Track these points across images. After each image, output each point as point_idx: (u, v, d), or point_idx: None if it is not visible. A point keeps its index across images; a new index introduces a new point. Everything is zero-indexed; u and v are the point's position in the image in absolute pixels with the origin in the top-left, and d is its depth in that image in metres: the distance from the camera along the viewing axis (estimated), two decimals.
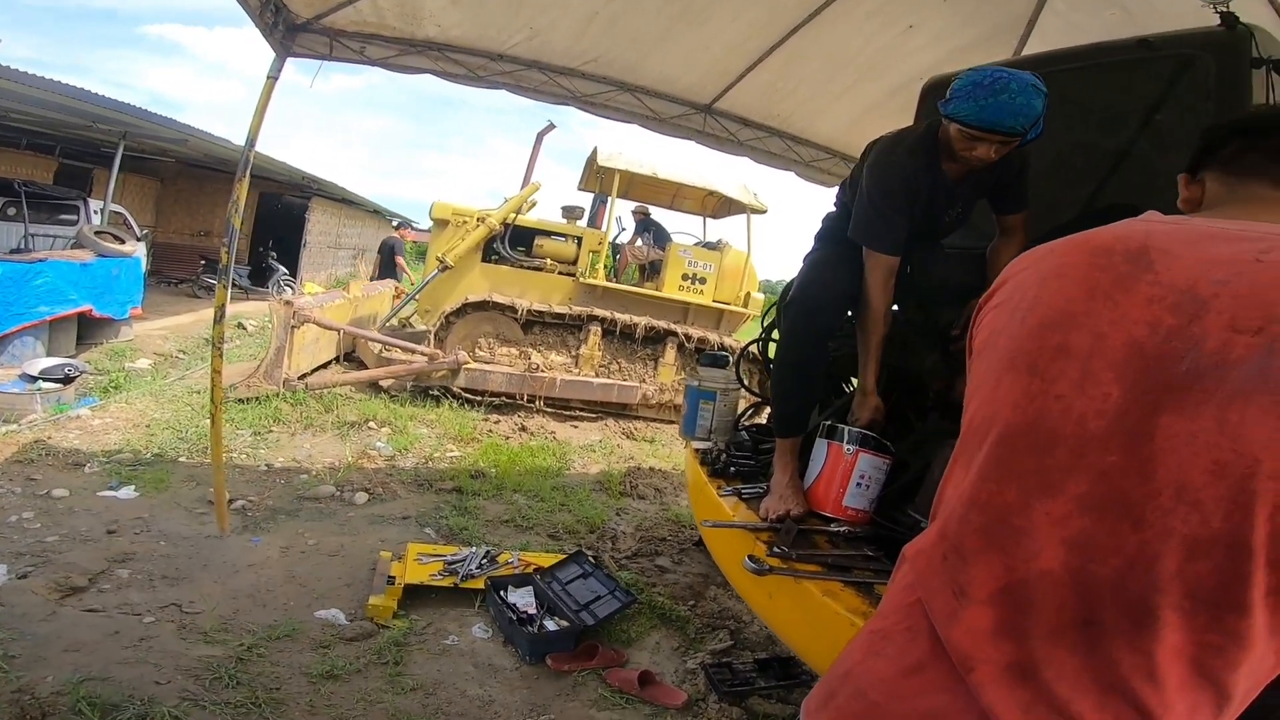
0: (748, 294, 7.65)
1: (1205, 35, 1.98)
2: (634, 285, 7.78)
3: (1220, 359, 0.67)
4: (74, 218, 9.16)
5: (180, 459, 4.27)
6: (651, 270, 8.12)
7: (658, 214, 8.83)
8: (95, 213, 9.38)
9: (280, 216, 14.73)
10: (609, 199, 7.56)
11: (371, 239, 19.57)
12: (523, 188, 7.67)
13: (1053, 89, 1.83)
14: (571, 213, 7.92)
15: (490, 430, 5.86)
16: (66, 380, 5.10)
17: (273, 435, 4.98)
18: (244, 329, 9.15)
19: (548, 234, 7.59)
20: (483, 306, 6.64)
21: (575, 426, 6.50)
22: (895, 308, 2.29)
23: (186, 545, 3.16)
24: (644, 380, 6.99)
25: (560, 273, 7.42)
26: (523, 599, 2.90)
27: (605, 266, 7.53)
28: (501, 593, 2.91)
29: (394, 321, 7.85)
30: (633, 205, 8.70)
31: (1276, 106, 1.78)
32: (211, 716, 2.07)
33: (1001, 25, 3.57)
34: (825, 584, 1.75)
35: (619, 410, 6.91)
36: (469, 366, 6.36)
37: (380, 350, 6.59)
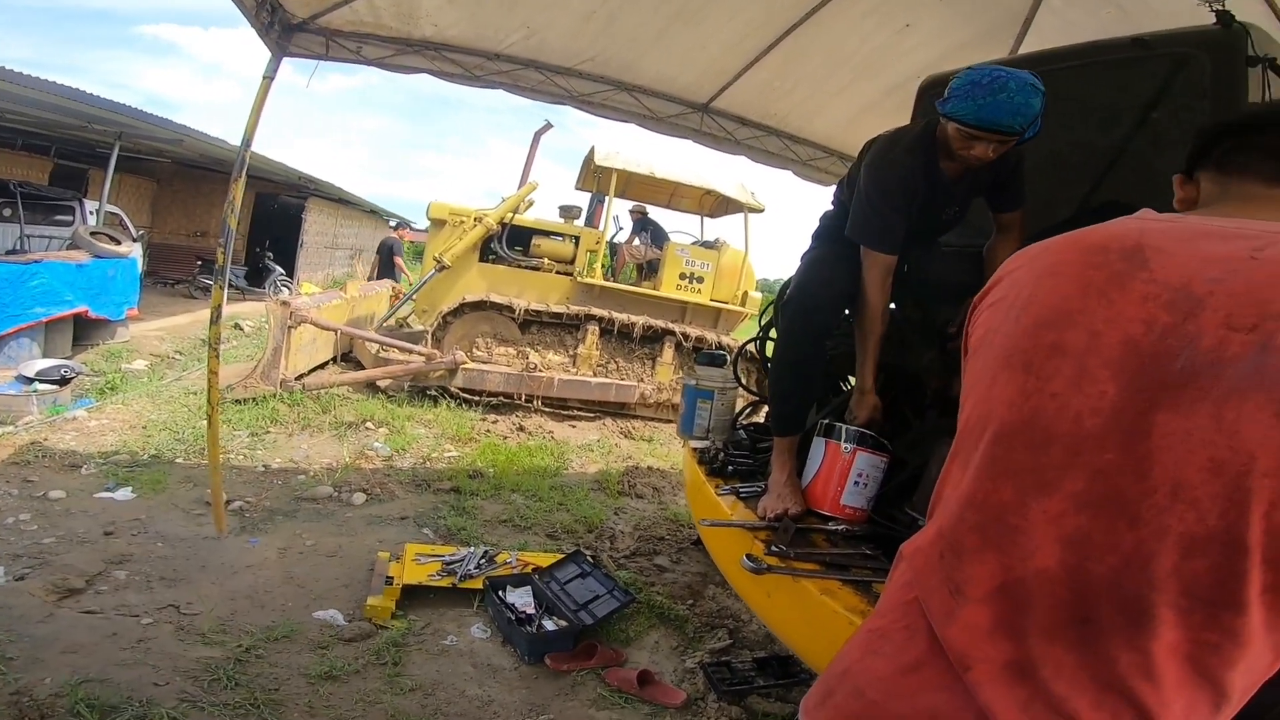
0: (745, 293, 7.66)
1: (1201, 34, 1.98)
2: (631, 284, 7.78)
3: (1215, 356, 0.67)
4: (69, 219, 9.13)
5: (177, 460, 4.26)
6: (649, 269, 8.13)
7: (655, 213, 8.84)
8: (91, 213, 9.35)
9: (277, 217, 14.70)
10: (606, 198, 7.55)
11: (369, 239, 19.53)
12: (520, 187, 7.67)
13: (1049, 87, 1.83)
14: (569, 212, 7.92)
15: (488, 430, 5.85)
16: (63, 382, 5.09)
17: (270, 436, 4.97)
18: (241, 330, 9.14)
19: (545, 233, 7.59)
20: (480, 306, 6.64)
21: (573, 426, 6.49)
22: (893, 306, 2.29)
23: (184, 546, 3.15)
24: (642, 379, 6.99)
25: (558, 272, 7.41)
26: (521, 599, 2.90)
27: (603, 266, 7.53)
28: (500, 593, 2.91)
29: (391, 321, 7.85)
30: (630, 204, 8.70)
31: (1269, 104, 1.78)
32: (210, 718, 2.06)
33: (998, 24, 3.57)
34: (823, 582, 1.75)
35: (617, 410, 6.91)
36: (466, 366, 6.35)
37: (378, 350, 6.58)
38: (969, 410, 0.85)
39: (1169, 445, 0.68)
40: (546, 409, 6.59)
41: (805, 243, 2.51)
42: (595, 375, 6.87)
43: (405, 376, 6.35)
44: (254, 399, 5.36)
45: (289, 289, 11.96)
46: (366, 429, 5.37)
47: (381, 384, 6.39)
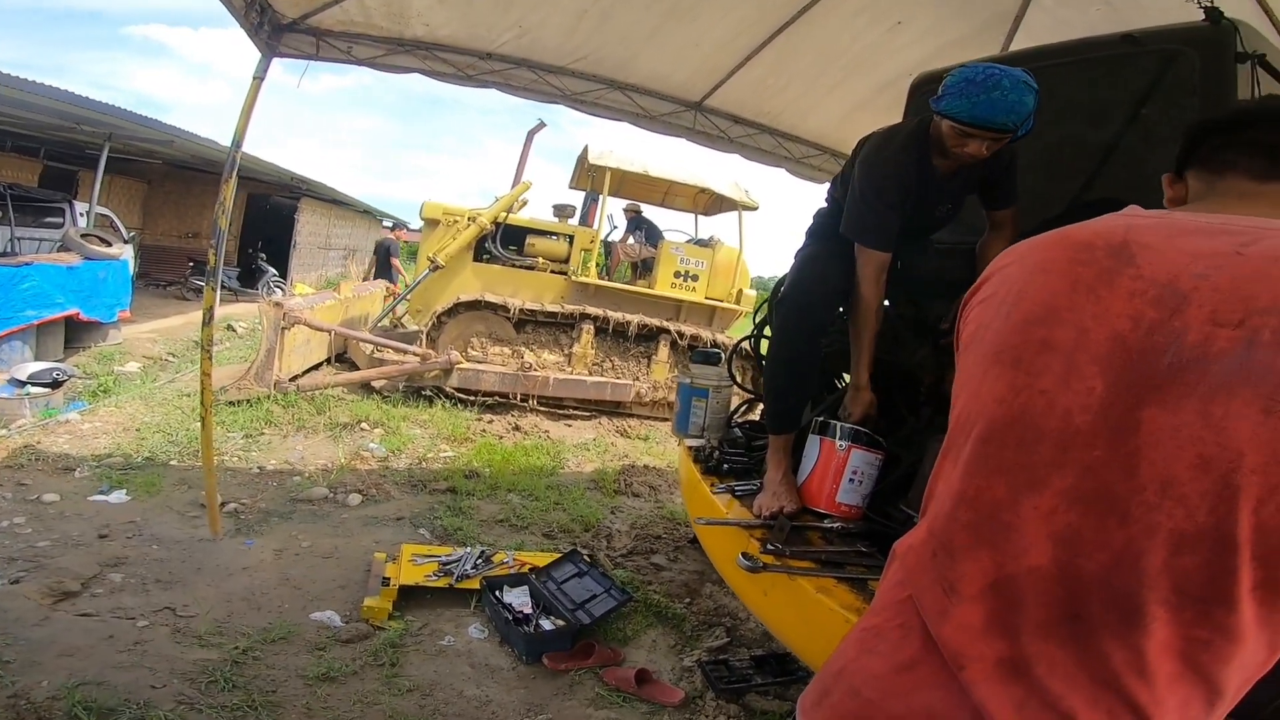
0: (740, 291, 7.66)
1: (1190, 30, 1.99)
2: (626, 283, 7.77)
3: (1202, 352, 0.67)
4: (60, 220, 9.06)
5: (171, 462, 4.25)
6: (644, 268, 8.12)
7: (649, 212, 8.83)
8: (81, 215, 9.29)
9: (269, 217, 14.64)
10: (600, 197, 7.54)
11: (362, 239, 19.45)
12: (514, 186, 7.65)
13: (1040, 84, 1.84)
14: (563, 211, 7.90)
15: (484, 430, 5.85)
16: (55, 384, 5.06)
17: (264, 437, 4.95)
18: (234, 331, 9.09)
19: (539, 233, 7.57)
20: (475, 306, 6.62)
21: (569, 425, 6.49)
22: (887, 303, 2.30)
23: (179, 549, 3.14)
24: (637, 378, 6.99)
25: (552, 271, 7.40)
26: (518, 598, 2.90)
27: (597, 265, 7.52)
28: (497, 593, 2.90)
29: (386, 322, 7.83)
30: (624, 203, 8.69)
31: (1256, 100, 1.79)
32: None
33: (989, 21, 3.58)
34: (819, 580, 1.76)
35: (613, 408, 6.90)
36: (461, 366, 6.34)
37: (372, 351, 6.56)
38: (960, 406, 0.85)
39: (1157, 442, 0.68)
40: (542, 408, 6.58)
41: (799, 240, 2.51)
42: (590, 374, 6.87)
43: (400, 377, 6.33)
44: (248, 400, 5.34)
45: (282, 290, 11.91)
46: (361, 430, 5.36)
47: (376, 384, 6.37)
